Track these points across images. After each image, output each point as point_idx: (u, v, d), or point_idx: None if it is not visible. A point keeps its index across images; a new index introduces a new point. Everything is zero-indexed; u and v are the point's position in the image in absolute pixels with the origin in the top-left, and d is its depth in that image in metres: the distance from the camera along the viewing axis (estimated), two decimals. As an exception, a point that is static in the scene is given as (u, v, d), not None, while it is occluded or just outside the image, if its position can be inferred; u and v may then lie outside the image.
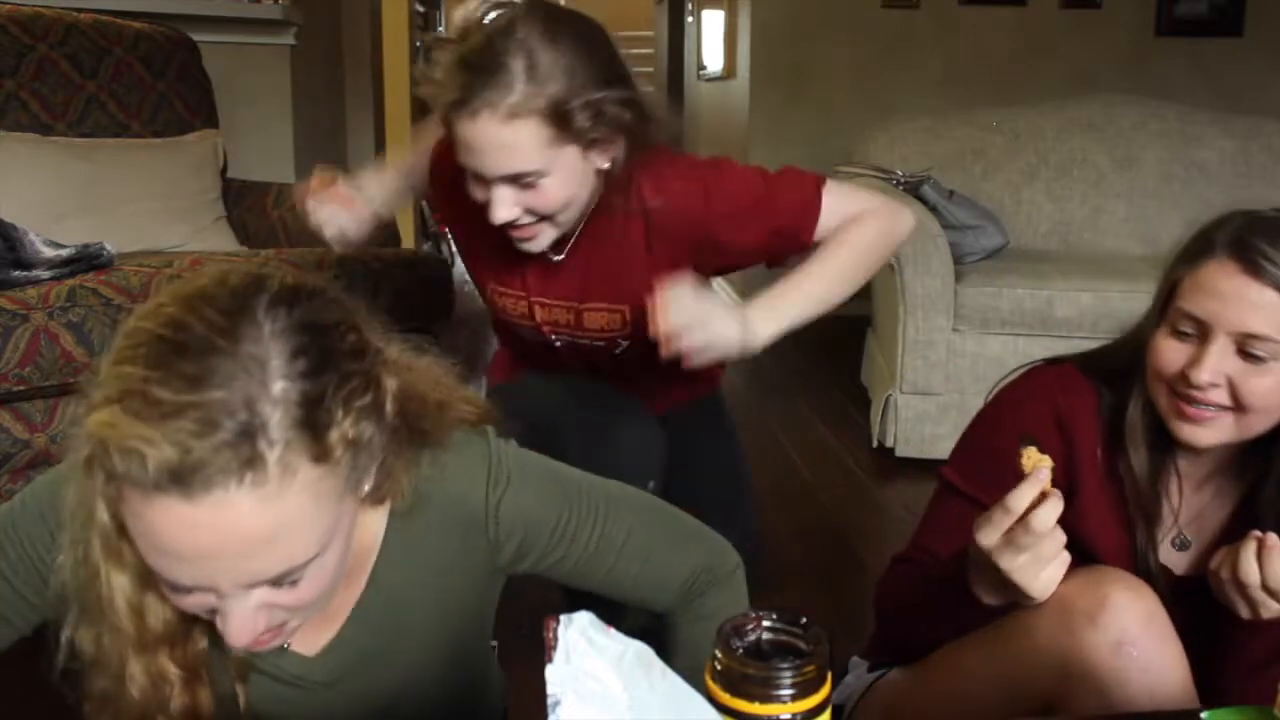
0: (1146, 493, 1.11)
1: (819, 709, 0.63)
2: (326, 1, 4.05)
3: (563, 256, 1.46)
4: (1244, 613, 0.99)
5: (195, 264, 2.17)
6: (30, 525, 0.86)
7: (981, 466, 1.15)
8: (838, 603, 2.16)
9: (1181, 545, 1.14)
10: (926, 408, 3.00)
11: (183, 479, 0.66)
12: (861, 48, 4.96)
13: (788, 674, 0.63)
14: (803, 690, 0.63)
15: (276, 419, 0.69)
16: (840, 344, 4.20)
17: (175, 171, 2.62)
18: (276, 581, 0.74)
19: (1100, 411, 1.13)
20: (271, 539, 0.70)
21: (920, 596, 1.13)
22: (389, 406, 0.78)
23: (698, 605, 1.03)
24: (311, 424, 0.70)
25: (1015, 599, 0.99)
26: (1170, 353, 1.05)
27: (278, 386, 0.69)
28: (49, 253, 2.10)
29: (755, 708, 0.63)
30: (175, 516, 0.68)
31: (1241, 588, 0.98)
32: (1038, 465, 0.95)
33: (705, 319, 1.29)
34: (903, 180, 3.33)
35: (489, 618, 1.05)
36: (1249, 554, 0.96)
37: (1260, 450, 1.09)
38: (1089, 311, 2.90)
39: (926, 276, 2.95)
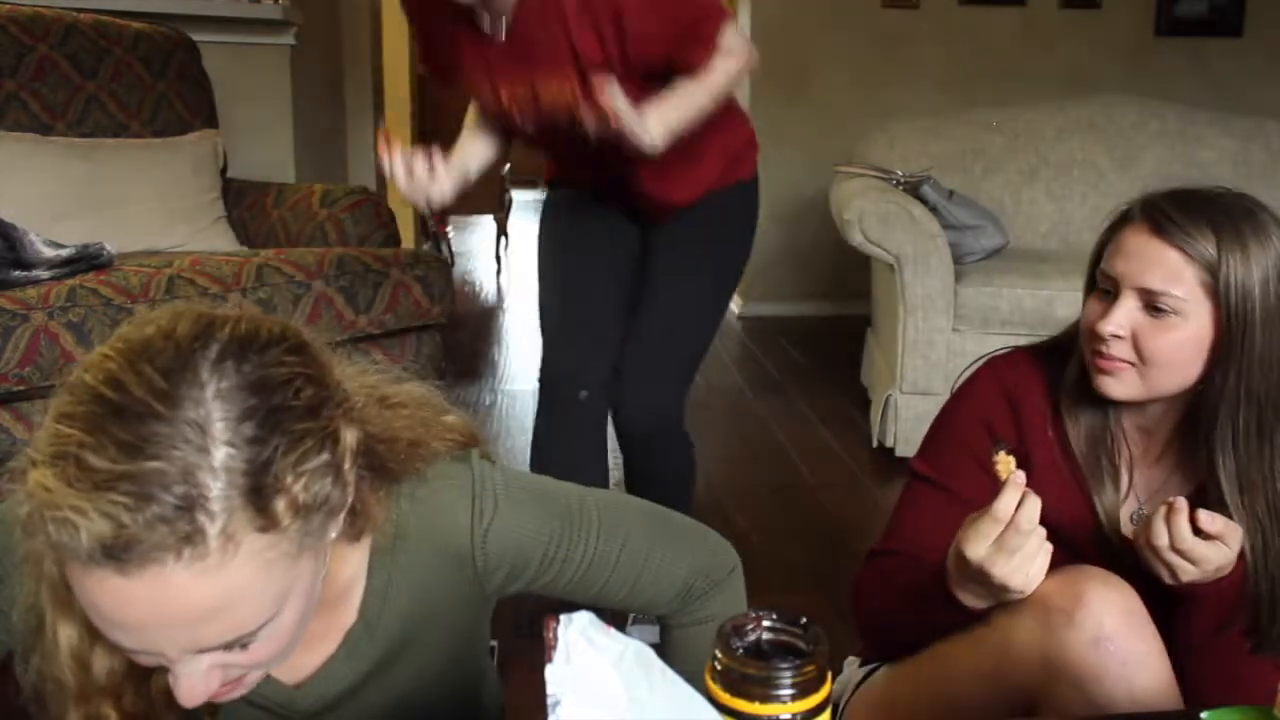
0: (1089, 456, 1.16)
1: (819, 709, 0.63)
2: (326, 1, 4.05)
3: (505, 33, 1.70)
4: (1166, 578, 1.03)
5: (195, 264, 2.17)
6: None
7: (946, 455, 1.22)
8: (838, 603, 2.16)
9: (1139, 520, 1.17)
10: (926, 408, 3.00)
11: (116, 554, 0.63)
12: (861, 48, 4.96)
13: (788, 674, 0.62)
14: (803, 690, 0.63)
15: (218, 489, 0.65)
16: (840, 344, 4.21)
17: (175, 171, 2.62)
18: (228, 647, 0.70)
19: (1048, 389, 1.19)
20: (216, 610, 0.66)
21: (900, 603, 1.16)
22: (347, 463, 0.73)
23: (696, 609, 1.03)
24: (256, 491, 0.66)
25: (1001, 599, 1.01)
26: (1094, 312, 1.12)
27: (220, 454, 0.65)
28: (49, 253, 2.11)
29: (755, 708, 0.62)
30: (111, 589, 0.64)
31: (1155, 551, 1.01)
32: (1013, 469, 0.99)
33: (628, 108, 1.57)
34: (903, 180, 3.33)
35: (484, 634, 1.04)
36: (1158, 518, 1.01)
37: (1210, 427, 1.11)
38: (1089, 311, 2.90)
39: (926, 276, 2.95)
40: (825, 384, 3.93)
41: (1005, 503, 0.96)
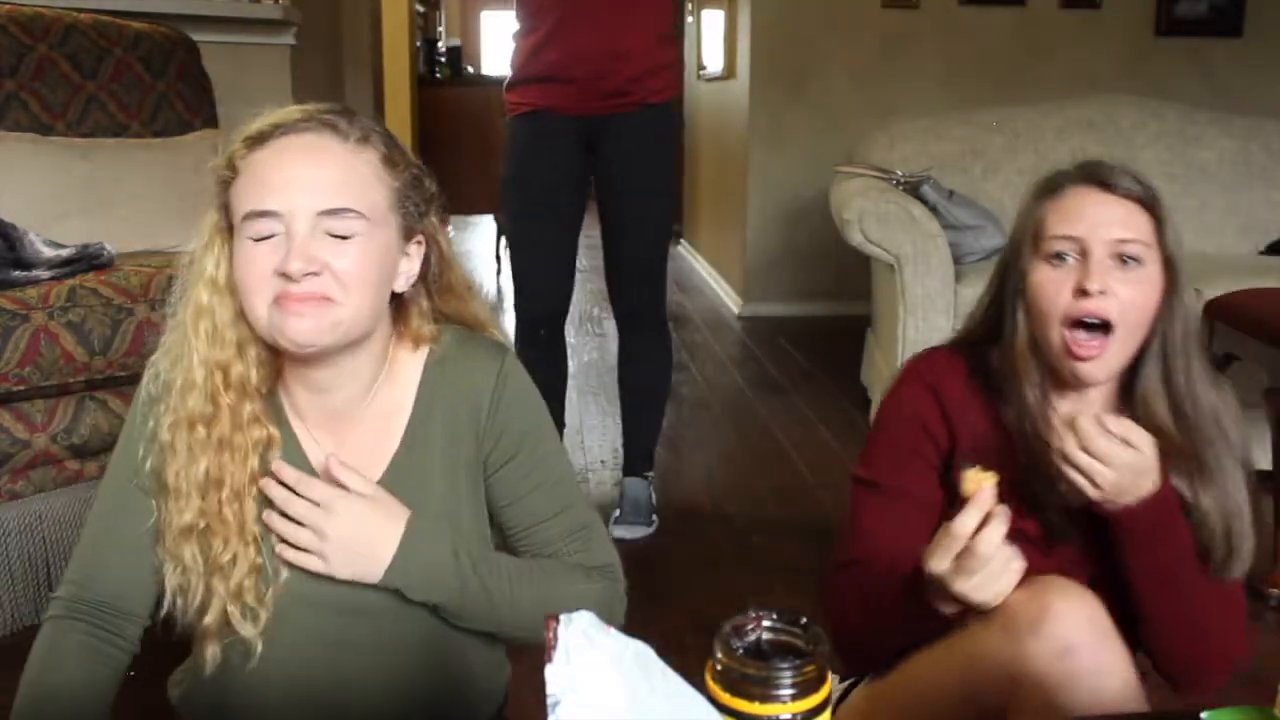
0: (1021, 434, 1.16)
1: (819, 709, 0.64)
2: (326, 1, 4.05)
3: None
4: (1089, 490, 1.05)
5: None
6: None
7: (885, 458, 1.23)
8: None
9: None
10: (926, 408, 3.00)
11: (337, 123, 1.00)
12: (861, 48, 4.96)
13: (788, 674, 0.63)
14: (803, 690, 0.63)
15: (360, 127, 1.01)
16: (840, 344, 4.20)
17: (175, 171, 2.62)
18: (334, 214, 0.96)
19: (969, 376, 1.20)
20: (344, 171, 0.98)
21: (874, 615, 1.15)
22: (433, 217, 1.07)
23: (566, 557, 1.13)
24: (387, 148, 1.02)
25: (973, 606, 1.01)
26: (1054, 283, 1.12)
27: (372, 132, 1.02)
28: (49, 253, 2.11)
29: (755, 708, 0.63)
30: (281, 146, 0.98)
31: (1068, 459, 1.05)
32: (980, 486, 0.97)
33: None
34: (903, 180, 3.33)
35: (483, 531, 1.13)
36: (1064, 431, 1.05)
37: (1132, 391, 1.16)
38: (1089, 311, 2.90)
39: (926, 276, 2.95)
40: (825, 384, 3.93)
41: (963, 521, 0.96)
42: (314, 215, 0.96)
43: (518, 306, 2.56)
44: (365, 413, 1.08)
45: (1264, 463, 2.00)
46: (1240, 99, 4.79)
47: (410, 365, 1.09)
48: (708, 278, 6.19)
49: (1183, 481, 1.11)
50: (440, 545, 1.03)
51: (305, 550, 1.01)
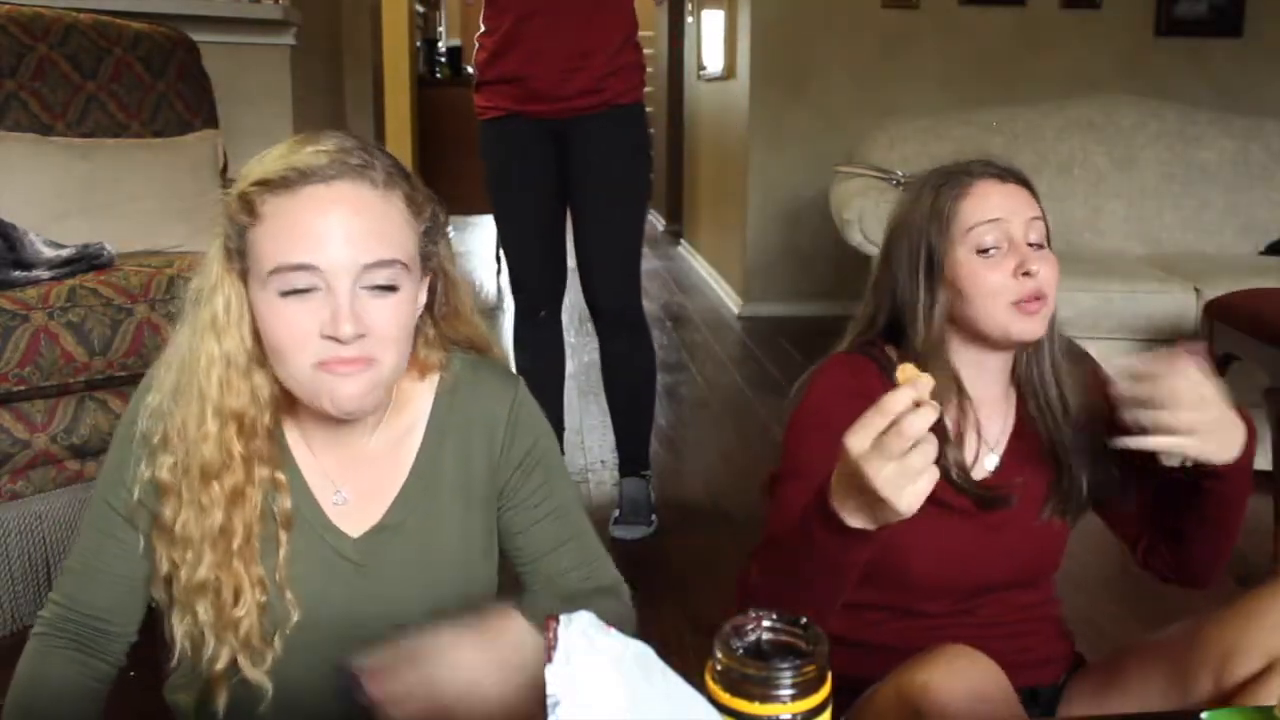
0: (938, 422, 1.16)
1: (819, 709, 0.64)
2: (326, 1, 4.05)
3: None
4: (1194, 453, 1.07)
5: (195, 264, 2.17)
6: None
7: (804, 456, 1.19)
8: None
9: (992, 465, 1.26)
10: (926, 408, 3.00)
11: (323, 172, 0.94)
12: (861, 48, 4.96)
13: (788, 674, 0.63)
14: (803, 690, 0.63)
15: (383, 164, 0.98)
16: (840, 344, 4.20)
17: (175, 171, 2.62)
18: (374, 269, 0.94)
19: (881, 371, 1.22)
20: (380, 219, 0.95)
21: (776, 550, 1.11)
22: (443, 249, 1.04)
23: (579, 597, 1.10)
24: (407, 184, 0.99)
25: (879, 518, 0.94)
26: (991, 271, 1.18)
27: (388, 162, 0.99)
28: (49, 253, 2.11)
29: (755, 708, 0.63)
30: (313, 196, 0.93)
31: (1164, 429, 1.05)
32: (917, 377, 0.91)
33: None
34: (903, 180, 3.33)
35: (492, 559, 1.12)
36: (1128, 390, 1.07)
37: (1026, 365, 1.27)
38: (1089, 312, 2.90)
39: (926, 276, 2.95)
40: (825, 384, 3.92)
41: (896, 398, 0.89)
42: (357, 270, 0.93)
43: (516, 297, 2.66)
44: (374, 442, 1.07)
45: (1264, 463, 2.00)
46: (1240, 99, 4.79)
47: (419, 394, 1.08)
48: (708, 278, 6.19)
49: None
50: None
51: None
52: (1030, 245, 1.20)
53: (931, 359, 1.19)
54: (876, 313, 1.27)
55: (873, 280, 1.30)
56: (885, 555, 1.16)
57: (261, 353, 0.98)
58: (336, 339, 0.92)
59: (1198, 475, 1.14)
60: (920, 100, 4.80)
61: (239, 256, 0.97)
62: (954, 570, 1.21)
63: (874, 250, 3.04)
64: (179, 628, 1.01)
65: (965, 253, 1.20)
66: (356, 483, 1.06)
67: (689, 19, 6.97)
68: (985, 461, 1.24)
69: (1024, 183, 1.24)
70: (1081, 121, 3.66)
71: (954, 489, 1.19)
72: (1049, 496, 1.25)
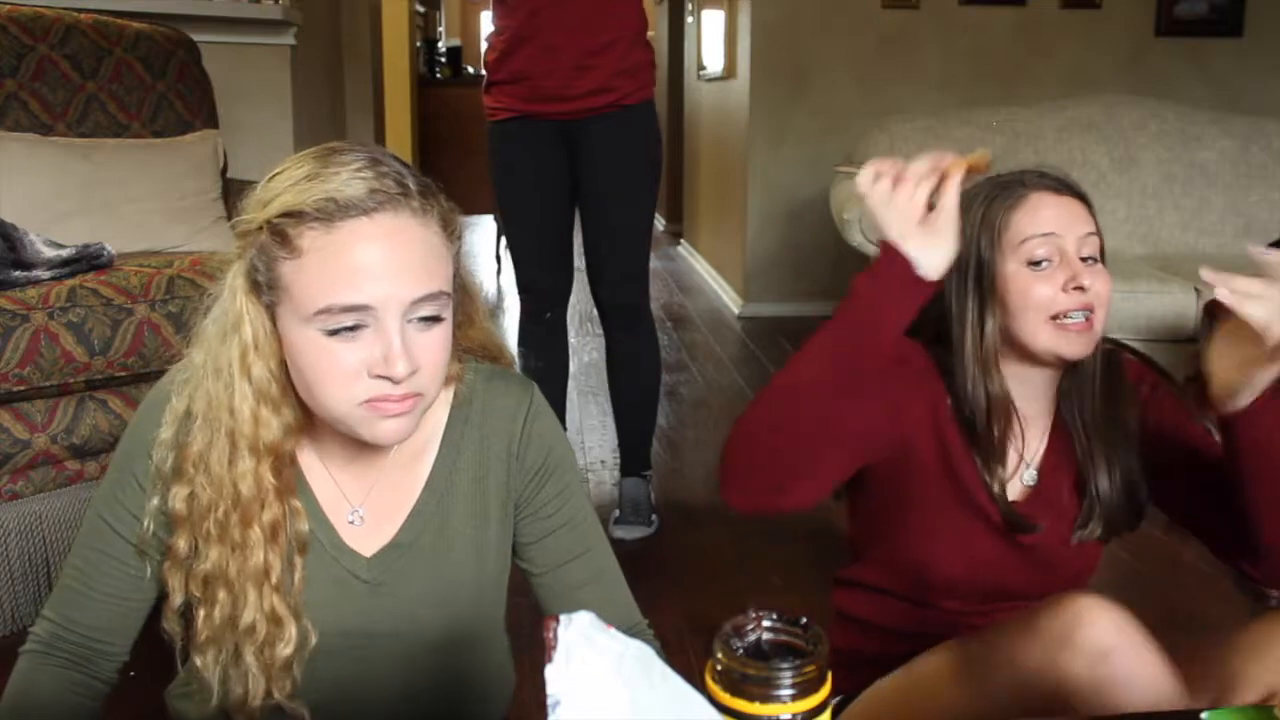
0: (985, 436, 1.19)
1: (819, 709, 0.63)
2: (326, 1, 4.05)
3: None
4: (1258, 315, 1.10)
5: (195, 264, 2.17)
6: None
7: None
8: (838, 603, 2.16)
9: (1030, 480, 1.24)
10: (926, 408, 3.00)
11: (366, 204, 0.90)
12: (861, 48, 4.96)
13: (788, 674, 0.62)
14: (803, 690, 0.63)
15: (416, 184, 0.94)
16: (840, 344, 4.20)
17: (175, 171, 2.62)
18: (422, 302, 0.91)
19: (942, 378, 1.22)
20: (425, 251, 0.92)
21: (782, 374, 1.12)
22: (461, 265, 1.01)
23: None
24: (440, 210, 0.95)
25: (871, 229, 1.05)
26: (1040, 284, 1.16)
27: (425, 190, 0.95)
28: (49, 253, 2.11)
29: (755, 708, 0.62)
30: (357, 230, 0.89)
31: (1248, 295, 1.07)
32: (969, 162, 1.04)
33: None
34: (903, 180, 3.34)
35: (505, 570, 1.11)
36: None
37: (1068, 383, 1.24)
38: (1089, 311, 2.90)
39: (926, 276, 2.95)
40: (825, 384, 3.92)
41: (921, 159, 1.02)
42: (405, 306, 0.90)
43: (523, 298, 2.64)
44: (391, 458, 1.05)
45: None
46: (1240, 99, 4.79)
47: (435, 407, 1.05)
48: (708, 278, 6.19)
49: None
50: None
51: None
52: (1083, 259, 1.17)
53: (982, 373, 1.18)
54: (923, 319, 1.23)
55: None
56: (908, 547, 1.22)
57: (288, 381, 0.96)
58: (388, 378, 0.90)
59: (1231, 423, 1.08)
60: (920, 100, 4.80)
61: (268, 289, 0.93)
62: (974, 574, 1.22)
63: (874, 250, 3.04)
64: (213, 672, 0.98)
65: (1016, 265, 1.18)
66: (373, 500, 1.04)
67: (689, 19, 6.97)
68: (1023, 476, 1.24)
69: (1080, 196, 1.21)
70: (1081, 121, 3.66)
71: (989, 497, 1.18)
72: (1080, 515, 1.23)
